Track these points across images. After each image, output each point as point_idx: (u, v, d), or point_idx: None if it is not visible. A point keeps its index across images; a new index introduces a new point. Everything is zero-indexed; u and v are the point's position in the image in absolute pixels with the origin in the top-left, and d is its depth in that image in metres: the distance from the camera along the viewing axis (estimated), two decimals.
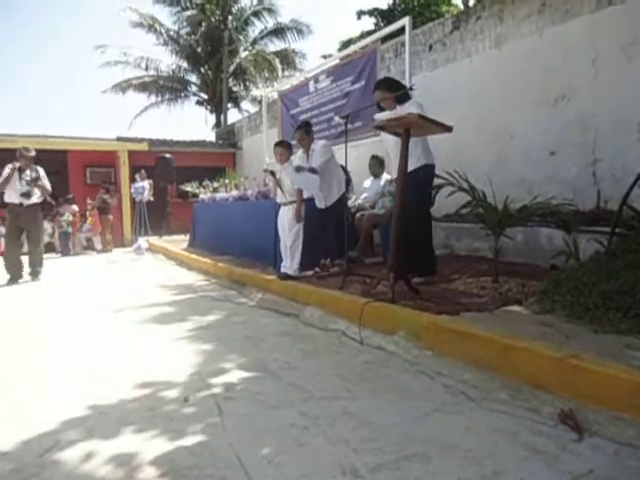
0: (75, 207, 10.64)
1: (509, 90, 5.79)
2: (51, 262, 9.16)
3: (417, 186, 3.74)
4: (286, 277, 4.50)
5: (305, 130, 4.77)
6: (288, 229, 4.59)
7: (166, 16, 17.85)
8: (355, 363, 2.64)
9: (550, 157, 5.35)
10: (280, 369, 2.57)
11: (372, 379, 2.39)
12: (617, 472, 1.50)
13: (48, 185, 6.39)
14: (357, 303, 3.32)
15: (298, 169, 4.47)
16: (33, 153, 6.23)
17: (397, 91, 3.89)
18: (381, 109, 4.09)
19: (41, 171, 6.28)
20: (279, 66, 17.21)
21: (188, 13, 17.21)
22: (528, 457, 1.60)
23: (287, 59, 18.28)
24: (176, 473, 1.60)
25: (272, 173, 4.67)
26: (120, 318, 3.97)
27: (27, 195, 6.09)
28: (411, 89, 3.98)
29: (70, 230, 10.24)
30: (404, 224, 3.50)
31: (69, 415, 2.08)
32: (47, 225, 10.97)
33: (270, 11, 18.02)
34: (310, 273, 4.68)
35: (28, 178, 6.12)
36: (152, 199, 11.43)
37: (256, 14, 18.17)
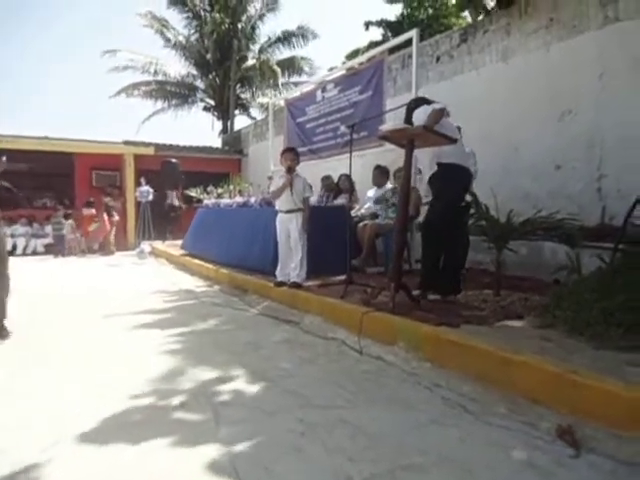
0: (93, 210, 10.89)
1: (515, 103, 5.81)
2: (48, 264, 9.22)
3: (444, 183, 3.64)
4: (294, 285, 4.45)
5: None
6: (298, 238, 4.44)
7: (177, 21, 18.03)
8: (354, 372, 2.63)
9: (555, 171, 5.36)
10: (278, 376, 2.57)
11: (370, 389, 2.38)
12: None
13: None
14: (357, 312, 3.32)
15: None
16: None
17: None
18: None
19: None
20: (281, 77, 17.27)
21: (198, 22, 17.37)
22: (523, 471, 1.59)
23: (294, 66, 18.36)
24: (169, 478, 1.60)
25: (289, 170, 4.44)
26: (119, 322, 3.97)
27: None
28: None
29: (64, 232, 10.35)
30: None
31: (58, 424, 2.05)
32: (48, 229, 11.07)
33: (273, 10, 17.98)
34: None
35: None
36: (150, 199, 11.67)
37: (261, 17, 18.23)
